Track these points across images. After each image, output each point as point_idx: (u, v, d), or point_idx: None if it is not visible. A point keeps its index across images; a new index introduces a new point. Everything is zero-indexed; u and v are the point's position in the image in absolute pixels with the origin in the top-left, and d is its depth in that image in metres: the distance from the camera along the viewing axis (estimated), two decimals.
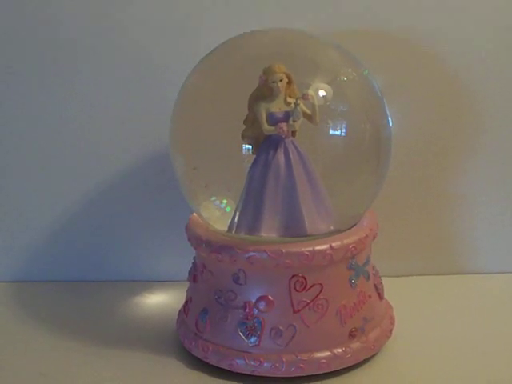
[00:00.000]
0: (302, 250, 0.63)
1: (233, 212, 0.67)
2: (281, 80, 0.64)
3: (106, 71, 0.83)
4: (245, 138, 0.66)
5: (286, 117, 0.64)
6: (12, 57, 0.83)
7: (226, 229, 0.68)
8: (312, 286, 0.64)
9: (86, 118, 0.84)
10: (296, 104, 0.63)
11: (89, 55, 0.82)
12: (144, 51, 0.82)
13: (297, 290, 0.64)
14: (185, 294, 0.73)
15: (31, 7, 0.81)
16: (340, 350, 0.65)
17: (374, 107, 0.70)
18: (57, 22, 0.81)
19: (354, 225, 0.69)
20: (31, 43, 0.82)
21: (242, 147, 0.67)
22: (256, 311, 0.65)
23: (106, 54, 0.82)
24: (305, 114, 0.64)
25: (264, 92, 0.65)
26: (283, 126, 0.64)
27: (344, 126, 0.67)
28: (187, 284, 0.72)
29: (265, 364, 0.64)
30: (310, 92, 0.64)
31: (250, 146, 0.66)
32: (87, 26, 0.81)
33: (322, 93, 0.65)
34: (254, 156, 0.65)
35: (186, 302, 0.72)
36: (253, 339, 0.65)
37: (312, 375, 0.65)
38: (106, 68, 0.83)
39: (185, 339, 0.69)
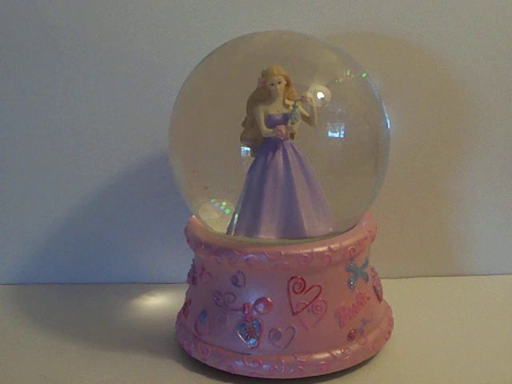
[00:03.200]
0: (301, 251, 0.63)
1: (232, 214, 0.67)
2: (279, 82, 0.64)
3: (105, 75, 0.82)
4: (243, 140, 0.66)
5: (285, 119, 0.64)
6: (12, 59, 0.83)
7: (224, 231, 0.68)
8: (311, 288, 0.64)
9: (84, 122, 0.84)
10: (294, 106, 0.63)
11: (88, 59, 0.82)
12: (142, 55, 0.82)
13: (295, 292, 0.64)
14: (184, 296, 0.73)
15: (33, 12, 0.81)
16: (339, 352, 0.65)
17: (373, 109, 0.70)
18: (56, 25, 0.81)
19: (353, 226, 0.69)
20: (32, 46, 0.82)
21: (240, 149, 0.67)
22: (255, 313, 0.65)
23: (104, 58, 0.82)
24: (303, 117, 0.64)
25: (262, 94, 0.65)
26: (282, 128, 0.64)
27: (342, 128, 0.67)
28: (186, 286, 0.72)
29: (264, 366, 0.64)
30: (309, 94, 0.64)
31: (249, 148, 0.66)
32: (86, 29, 0.81)
33: (320, 95, 0.65)
34: (253, 158, 0.66)
35: (185, 304, 0.72)
36: (252, 341, 0.65)
37: (311, 377, 0.65)
38: (104, 71, 0.82)
39: (184, 341, 0.69)
